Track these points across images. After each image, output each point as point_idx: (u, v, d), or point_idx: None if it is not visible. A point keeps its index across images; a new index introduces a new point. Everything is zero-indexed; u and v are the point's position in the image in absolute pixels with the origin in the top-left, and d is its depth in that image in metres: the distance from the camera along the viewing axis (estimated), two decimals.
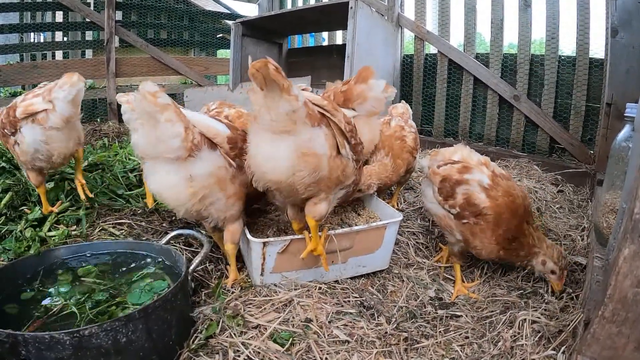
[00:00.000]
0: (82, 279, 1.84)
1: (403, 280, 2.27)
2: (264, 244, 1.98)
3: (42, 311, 1.61)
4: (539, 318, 1.87)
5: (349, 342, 1.72)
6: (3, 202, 2.55)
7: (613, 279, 1.28)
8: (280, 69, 1.48)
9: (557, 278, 2.09)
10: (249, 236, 2.01)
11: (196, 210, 1.88)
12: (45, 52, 7.77)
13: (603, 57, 4.03)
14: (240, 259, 2.29)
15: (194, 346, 1.63)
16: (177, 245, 2.40)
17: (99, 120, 6.34)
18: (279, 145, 1.65)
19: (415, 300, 2.12)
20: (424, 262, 2.50)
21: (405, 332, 1.83)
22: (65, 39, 7.60)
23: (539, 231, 2.17)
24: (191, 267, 1.90)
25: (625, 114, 2.20)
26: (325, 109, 1.72)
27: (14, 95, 6.06)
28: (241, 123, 2.55)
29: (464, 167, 2.19)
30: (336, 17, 4.78)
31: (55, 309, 1.62)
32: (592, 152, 4.24)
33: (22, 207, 2.62)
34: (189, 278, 1.88)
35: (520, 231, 2.08)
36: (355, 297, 2.06)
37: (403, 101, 3.46)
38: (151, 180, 1.81)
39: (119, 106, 6.26)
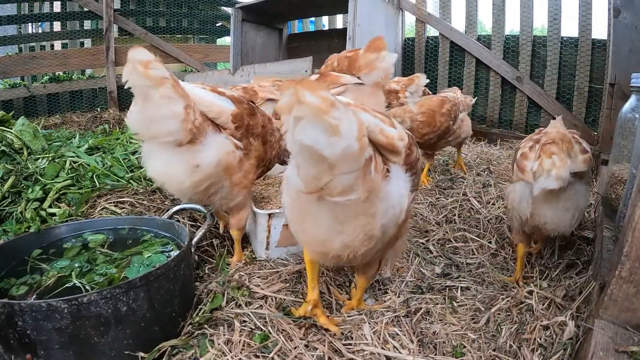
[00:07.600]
0: (88, 251, 1.77)
1: (410, 256, 2.23)
2: (270, 215, 1.95)
3: (39, 285, 1.53)
4: (547, 287, 1.86)
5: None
6: (6, 186, 2.50)
7: (629, 236, 1.24)
8: None
9: None
10: (254, 208, 1.98)
11: (199, 199, 1.78)
12: (43, 42, 7.72)
13: (606, 38, 4.00)
14: (245, 238, 2.26)
15: (197, 319, 1.58)
16: (182, 219, 2.36)
17: (99, 109, 6.36)
18: None
19: (423, 275, 2.08)
20: (433, 239, 2.46)
21: (414, 302, 1.80)
22: (63, 29, 7.55)
23: None
24: (195, 239, 1.85)
25: (631, 84, 2.17)
26: None
27: (14, 86, 6.01)
28: None
29: None
30: (336, 0, 4.73)
31: (51, 283, 1.54)
32: (595, 133, 4.21)
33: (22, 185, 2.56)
34: (192, 250, 1.83)
35: None
36: None
37: None
38: (149, 166, 1.66)
39: (119, 95, 6.38)
